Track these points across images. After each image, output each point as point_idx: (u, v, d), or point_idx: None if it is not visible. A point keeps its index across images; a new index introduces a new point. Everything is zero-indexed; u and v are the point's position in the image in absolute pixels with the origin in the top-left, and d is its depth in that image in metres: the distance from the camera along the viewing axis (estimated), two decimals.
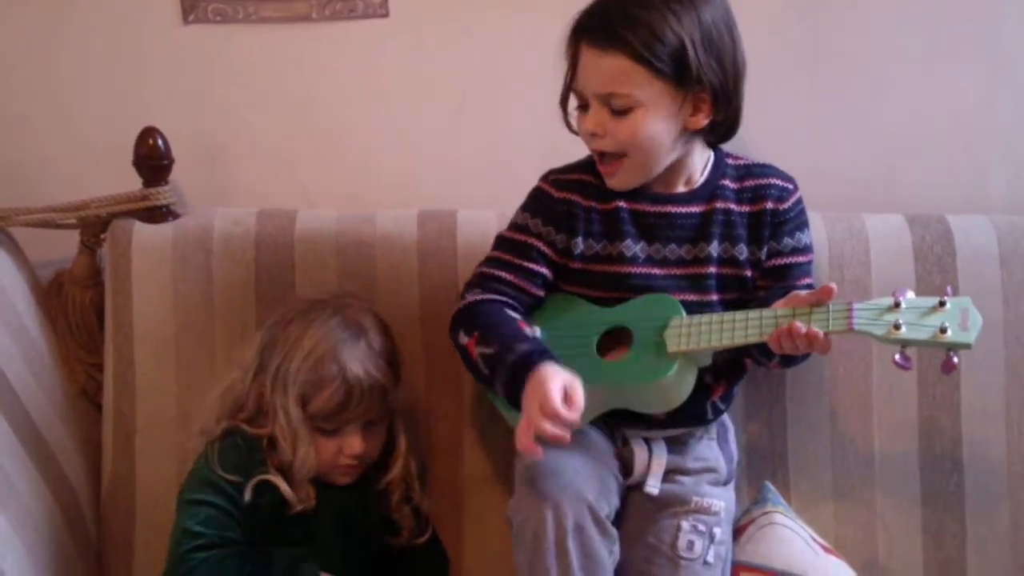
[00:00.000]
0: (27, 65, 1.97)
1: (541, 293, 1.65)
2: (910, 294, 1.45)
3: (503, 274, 1.63)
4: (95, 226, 1.88)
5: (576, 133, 1.60)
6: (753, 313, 1.50)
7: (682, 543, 1.58)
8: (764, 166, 1.66)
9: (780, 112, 1.90)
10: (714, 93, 1.52)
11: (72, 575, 1.70)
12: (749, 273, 1.62)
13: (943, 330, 1.40)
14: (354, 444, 1.62)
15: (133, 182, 1.86)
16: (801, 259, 1.63)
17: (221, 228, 1.83)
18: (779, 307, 1.50)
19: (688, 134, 1.56)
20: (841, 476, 1.78)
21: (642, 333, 1.55)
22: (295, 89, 1.98)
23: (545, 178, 1.66)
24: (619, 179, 1.59)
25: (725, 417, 1.71)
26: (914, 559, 1.77)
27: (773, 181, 1.63)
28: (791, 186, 1.64)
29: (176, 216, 1.88)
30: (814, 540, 1.68)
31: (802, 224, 1.64)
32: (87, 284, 1.90)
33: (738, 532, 1.68)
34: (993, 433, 1.78)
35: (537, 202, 1.65)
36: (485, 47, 1.94)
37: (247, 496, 1.60)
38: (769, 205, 1.62)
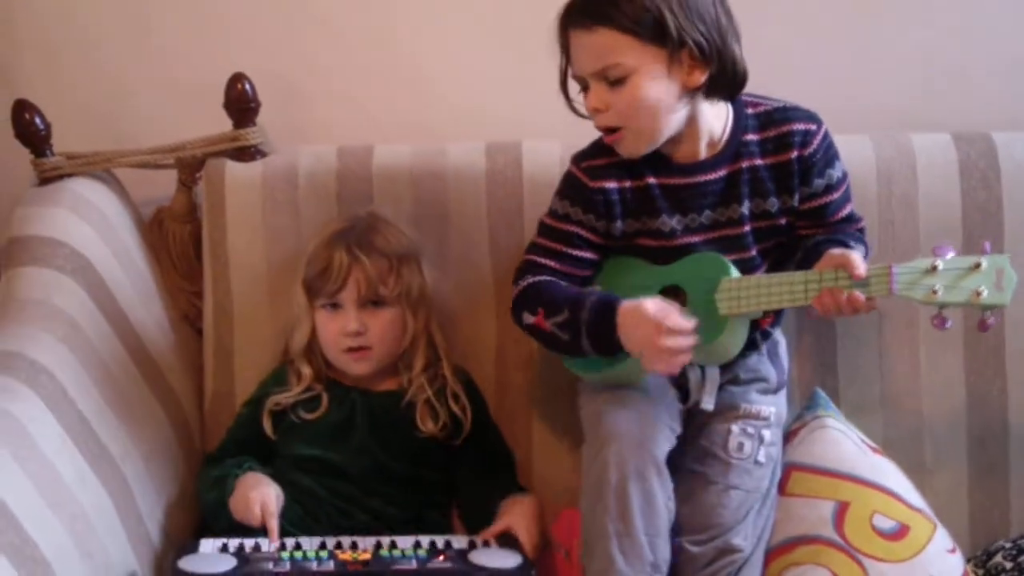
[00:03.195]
0: (123, 22, 2.08)
1: (588, 273, 1.71)
2: (950, 254, 1.49)
3: (549, 262, 1.70)
4: (191, 166, 1.97)
5: (584, 116, 1.63)
6: (798, 276, 1.55)
7: (732, 444, 1.66)
8: (784, 109, 1.66)
9: (826, 40, 1.96)
10: (701, 51, 1.55)
11: (181, 479, 1.83)
12: (784, 221, 1.67)
13: (978, 292, 1.46)
14: (348, 320, 1.75)
15: (224, 124, 1.95)
16: (835, 195, 1.67)
17: (305, 165, 1.93)
18: (823, 268, 1.54)
19: (690, 92, 1.58)
20: (889, 384, 1.85)
21: (695, 294, 1.62)
22: (369, 32, 2.07)
23: (577, 164, 1.69)
24: (626, 147, 1.63)
25: (776, 330, 1.77)
26: (959, 463, 1.85)
27: (795, 127, 1.65)
28: (814, 127, 1.65)
29: (264, 155, 1.96)
30: (863, 442, 1.74)
31: (831, 160, 1.67)
32: (185, 219, 2.01)
33: (790, 436, 1.75)
34: None
35: (574, 190, 1.69)
36: None
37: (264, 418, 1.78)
38: (794, 154, 1.64)
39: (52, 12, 2.09)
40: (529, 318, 1.68)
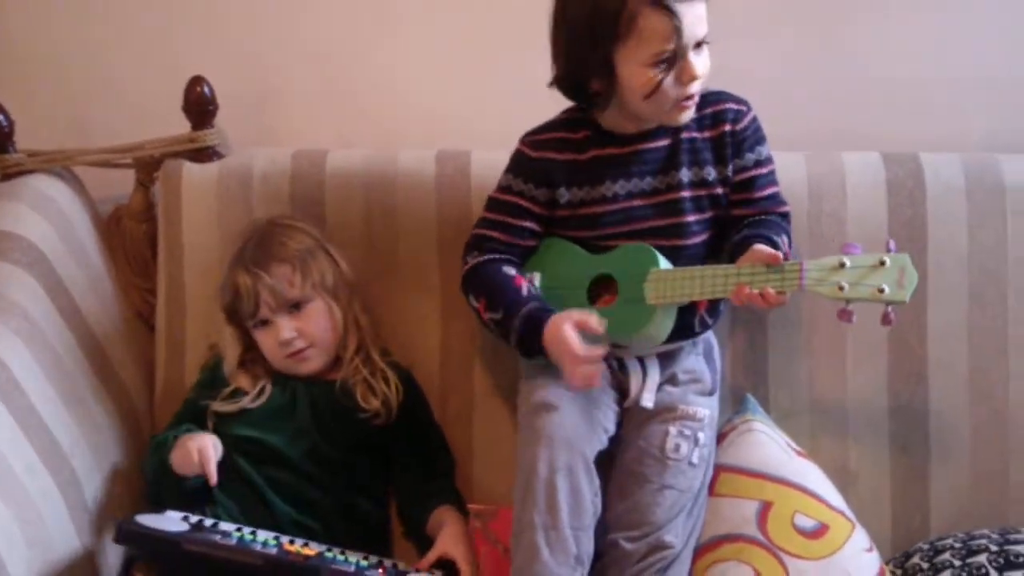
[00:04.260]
0: (86, 24, 2.13)
1: (532, 243, 1.80)
2: (858, 251, 1.57)
3: (494, 233, 1.79)
4: (149, 166, 2.01)
5: (650, 96, 1.65)
6: (720, 270, 1.64)
7: (670, 445, 1.71)
8: (717, 92, 1.76)
9: (766, 59, 2.02)
10: None
11: (130, 469, 1.87)
12: (720, 190, 1.75)
13: (880, 290, 1.54)
14: (280, 330, 1.81)
15: (182, 126, 1.99)
16: (764, 170, 1.76)
17: (260, 167, 1.97)
18: (742, 264, 1.63)
19: None
20: (816, 392, 1.90)
21: (625, 283, 1.70)
22: (328, 41, 2.12)
23: (523, 140, 1.79)
24: (691, 112, 1.71)
25: (711, 335, 1.84)
26: (882, 467, 1.89)
27: (728, 106, 1.75)
28: (744, 107, 1.76)
29: (220, 156, 2.00)
30: (789, 446, 1.80)
31: (760, 139, 1.76)
32: (142, 218, 2.04)
33: (720, 438, 1.79)
34: (956, 352, 1.89)
35: (517, 163, 1.79)
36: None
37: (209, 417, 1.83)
38: (727, 128, 1.74)
39: (17, 13, 2.14)
40: (474, 301, 1.77)
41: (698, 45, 1.65)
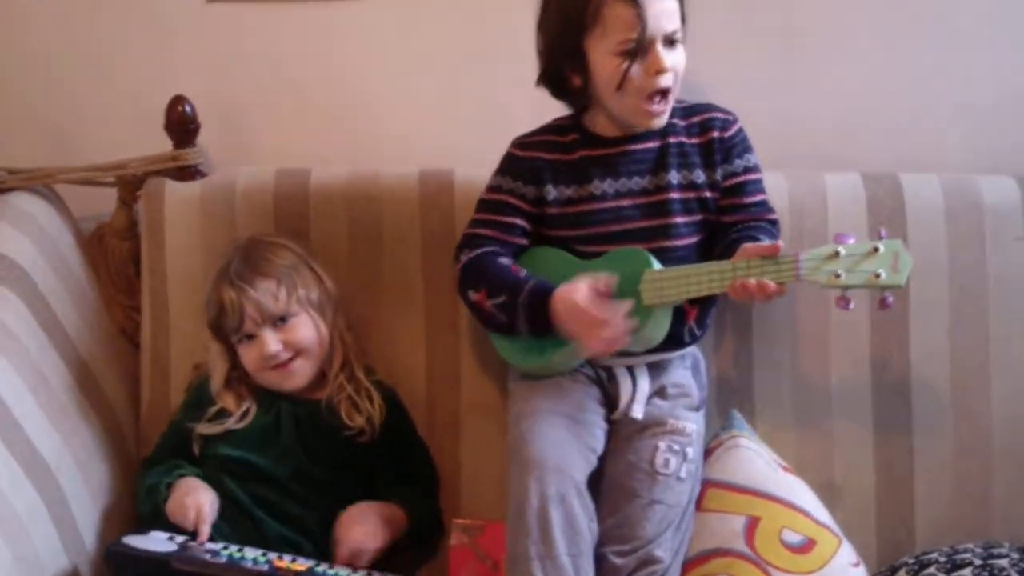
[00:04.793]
0: (68, 42, 2.12)
1: (523, 241, 1.82)
2: (851, 240, 1.61)
3: (486, 232, 1.81)
4: (131, 184, 2.01)
5: (620, 87, 1.68)
6: (715, 266, 1.66)
7: (659, 460, 1.71)
8: (704, 104, 1.81)
9: (749, 78, 2.04)
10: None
11: (116, 487, 1.86)
12: (709, 194, 1.78)
13: (877, 275, 1.57)
14: (266, 343, 1.81)
15: (164, 144, 1.99)
16: (752, 176, 1.80)
17: (243, 185, 1.98)
18: (737, 259, 1.65)
19: None
20: (802, 408, 1.91)
21: (620, 286, 1.70)
22: (308, 60, 2.12)
23: (513, 143, 1.83)
24: (668, 107, 1.74)
25: (697, 350, 1.85)
26: (867, 481, 1.90)
27: (716, 115, 1.80)
28: (731, 117, 1.80)
29: (203, 175, 2.00)
30: (775, 461, 1.81)
31: (748, 148, 1.80)
32: (125, 236, 2.04)
33: (707, 454, 1.80)
34: (938, 370, 1.90)
35: (507, 163, 1.82)
36: (478, 21, 2.10)
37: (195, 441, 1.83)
38: (715, 134, 1.78)
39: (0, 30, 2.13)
40: (473, 295, 1.77)
41: (671, 42, 1.69)
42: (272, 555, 1.69)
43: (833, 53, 2.09)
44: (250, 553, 1.67)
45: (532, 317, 1.71)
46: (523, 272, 1.76)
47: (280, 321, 1.83)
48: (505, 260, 1.79)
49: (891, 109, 2.10)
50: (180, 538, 1.68)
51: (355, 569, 1.71)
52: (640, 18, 1.65)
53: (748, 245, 1.66)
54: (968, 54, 2.08)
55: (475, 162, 1.93)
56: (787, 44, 2.09)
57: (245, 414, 1.84)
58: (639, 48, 1.67)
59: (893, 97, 2.10)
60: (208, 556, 1.62)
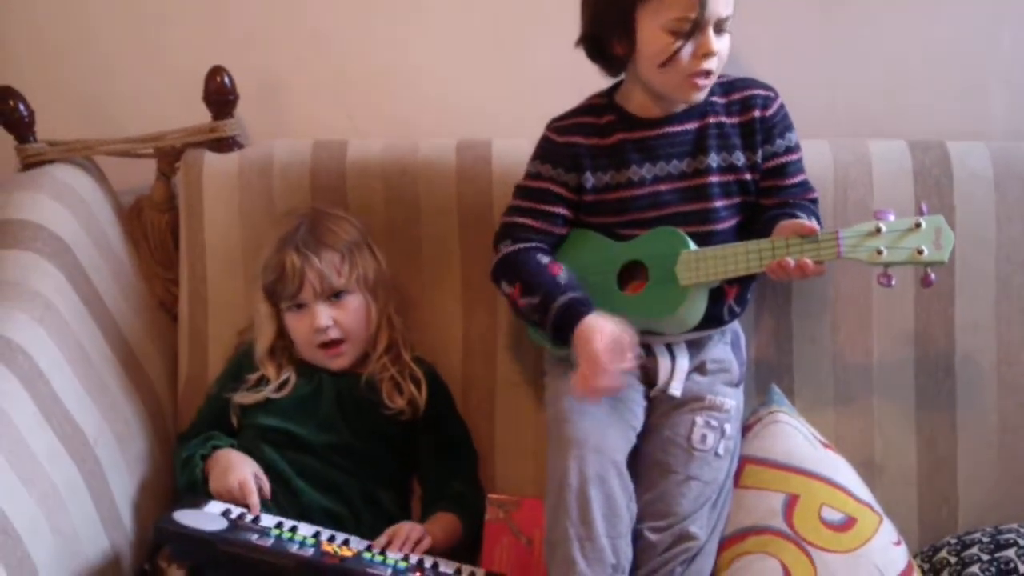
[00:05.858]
0: (108, 14, 2.13)
1: (563, 231, 1.79)
2: (891, 217, 1.58)
3: (526, 221, 1.78)
4: (170, 156, 2.02)
5: (665, 64, 1.65)
6: (752, 245, 1.64)
7: (696, 436, 1.70)
8: (744, 79, 1.77)
9: (791, 45, 2.01)
10: None
11: (154, 462, 1.87)
12: (749, 176, 1.74)
13: (920, 251, 1.55)
14: (317, 316, 1.81)
15: (203, 116, 2.00)
16: (793, 157, 1.76)
17: (280, 157, 1.97)
18: (775, 238, 1.62)
19: None
20: (842, 384, 1.89)
21: (656, 267, 1.69)
22: (346, 32, 2.11)
23: (549, 127, 1.79)
24: (709, 85, 1.70)
25: (737, 325, 1.83)
26: (908, 460, 1.88)
27: (756, 92, 1.75)
28: (772, 94, 1.76)
29: (241, 146, 2.01)
30: (814, 437, 1.78)
31: (789, 126, 1.76)
32: (164, 208, 2.05)
33: (745, 430, 1.79)
34: (983, 344, 1.88)
35: (544, 150, 1.79)
36: None
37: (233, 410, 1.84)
38: (756, 113, 1.74)
39: (39, 4, 2.13)
40: (507, 288, 1.75)
41: (719, 27, 1.65)
42: (324, 535, 1.69)
43: (876, 18, 2.05)
44: (301, 532, 1.68)
45: (558, 330, 1.68)
46: (562, 274, 1.72)
47: (335, 297, 1.83)
48: (544, 258, 1.76)
49: (936, 77, 2.06)
50: (235, 512, 1.68)
51: (406, 557, 1.70)
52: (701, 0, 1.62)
53: (786, 223, 1.64)
54: (1016, 20, 2.03)
55: (511, 131, 1.92)
56: (826, 9, 2.05)
57: (284, 383, 1.84)
58: (694, 29, 1.63)
59: (938, 64, 2.06)
60: (255, 537, 1.62)
